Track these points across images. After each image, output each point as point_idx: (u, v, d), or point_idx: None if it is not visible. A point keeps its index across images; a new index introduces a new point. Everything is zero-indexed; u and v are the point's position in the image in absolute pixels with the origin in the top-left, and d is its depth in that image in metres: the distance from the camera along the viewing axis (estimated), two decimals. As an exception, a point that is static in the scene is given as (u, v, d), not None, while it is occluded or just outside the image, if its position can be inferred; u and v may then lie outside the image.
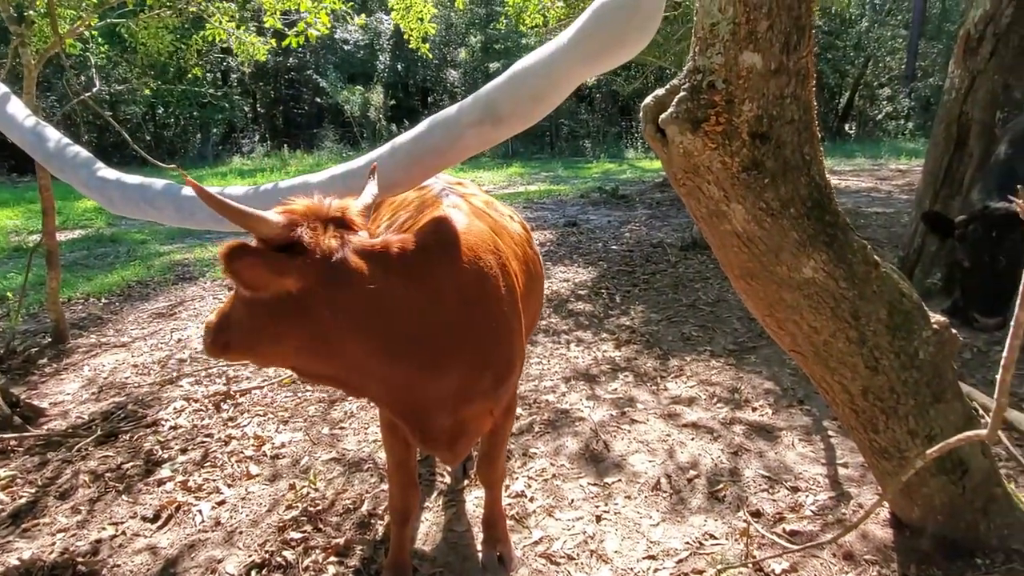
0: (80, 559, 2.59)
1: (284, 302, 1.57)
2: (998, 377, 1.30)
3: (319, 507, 2.87)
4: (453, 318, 1.73)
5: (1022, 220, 1.17)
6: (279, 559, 2.54)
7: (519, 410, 3.60)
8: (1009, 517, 2.27)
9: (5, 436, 3.46)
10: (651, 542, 2.56)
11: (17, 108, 2.86)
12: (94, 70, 8.38)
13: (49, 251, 4.89)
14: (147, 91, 19.30)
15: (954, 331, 2.19)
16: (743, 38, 1.76)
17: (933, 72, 24.18)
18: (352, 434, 3.52)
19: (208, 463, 3.28)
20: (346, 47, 26.83)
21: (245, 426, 3.65)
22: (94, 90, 6.18)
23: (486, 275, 1.83)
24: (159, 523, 2.82)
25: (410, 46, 8.59)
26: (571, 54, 1.94)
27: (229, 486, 3.08)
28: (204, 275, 7.33)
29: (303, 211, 1.61)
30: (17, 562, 2.55)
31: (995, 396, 1.31)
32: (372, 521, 2.77)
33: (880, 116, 25.25)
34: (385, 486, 2.96)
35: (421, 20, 8.25)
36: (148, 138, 22.81)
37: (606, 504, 2.81)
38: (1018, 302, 1.23)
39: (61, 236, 8.73)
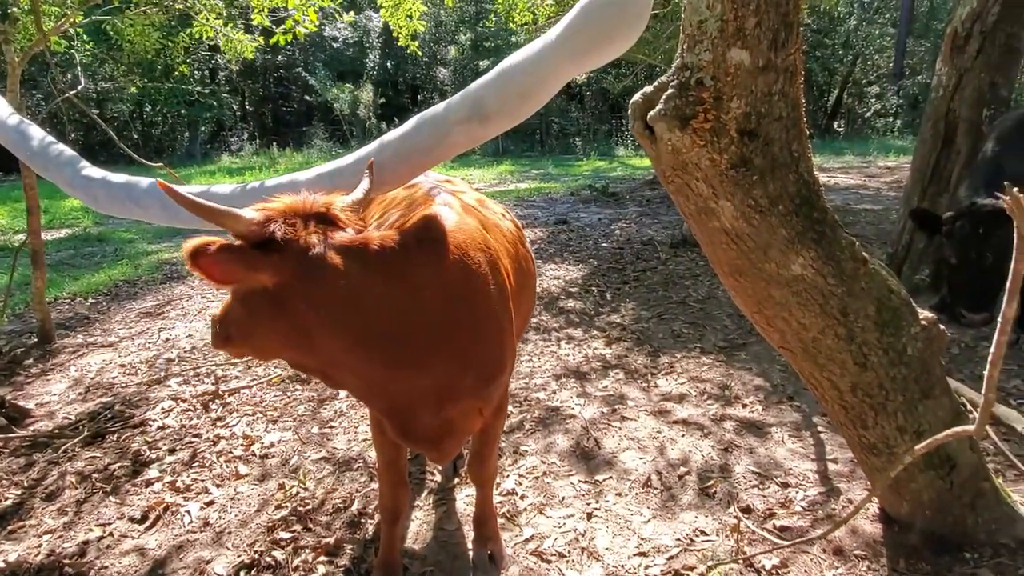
0: (67, 561, 2.56)
1: (263, 296, 1.60)
2: (986, 373, 1.30)
3: (309, 507, 2.86)
4: (437, 316, 1.72)
5: (1008, 216, 1.17)
6: (268, 559, 2.52)
7: (510, 408, 3.60)
8: (996, 512, 2.28)
9: (-10, 437, 3.43)
10: (642, 539, 2.56)
11: (1, 107, 2.82)
12: (80, 68, 8.29)
13: (34, 250, 4.84)
14: (134, 89, 19.20)
15: (942, 327, 2.20)
16: (731, 35, 1.76)
17: (921, 70, 24.34)
18: (342, 433, 3.51)
19: (196, 463, 3.26)
20: (335, 45, 26.73)
21: (234, 426, 3.63)
22: (80, 88, 6.11)
23: (474, 273, 1.82)
24: (147, 524, 2.79)
25: (399, 44, 8.56)
26: (559, 51, 1.93)
27: (218, 486, 3.06)
28: (192, 274, 7.27)
29: (281, 208, 1.62)
30: (3, 564, 2.53)
31: (983, 392, 1.32)
32: (362, 520, 2.76)
33: (868, 114, 25.41)
34: (375, 485, 2.95)
35: (410, 18, 8.21)
36: (135, 136, 22.67)
37: (597, 501, 2.81)
38: (1005, 299, 1.23)
39: (47, 235, 8.67)
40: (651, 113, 1.90)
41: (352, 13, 8.38)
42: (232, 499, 2.95)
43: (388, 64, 27.65)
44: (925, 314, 2.18)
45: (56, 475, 3.18)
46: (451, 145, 2.10)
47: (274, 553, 2.55)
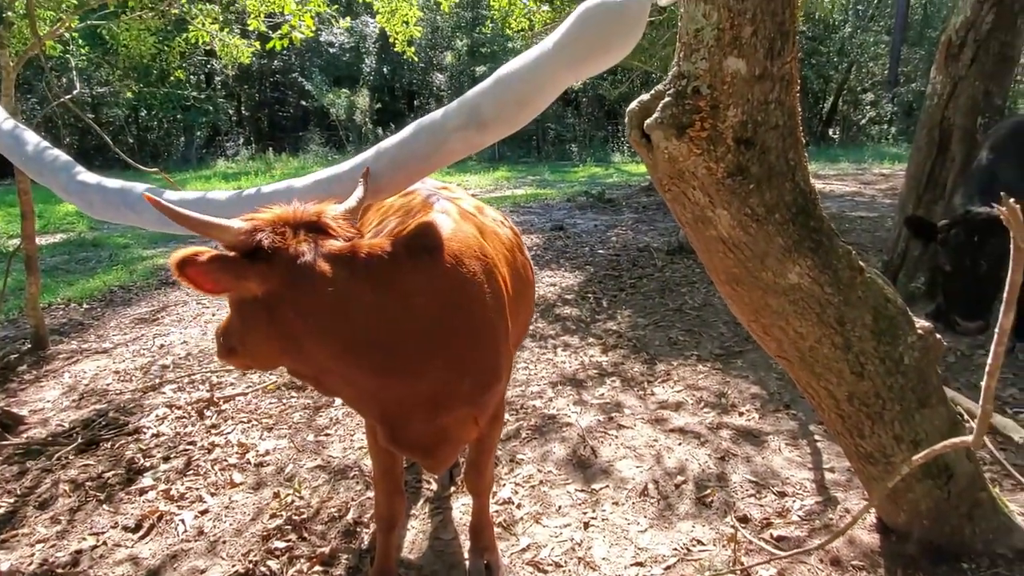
0: (60, 570, 2.55)
1: (255, 305, 1.62)
2: (983, 383, 1.30)
3: (304, 515, 2.84)
4: (430, 324, 1.72)
5: (1003, 225, 1.17)
6: (263, 569, 2.50)
7: (506, 416, 3.59)
8: (994, 521, 2.28)
9: (-17, 445, 3.40)
10: (639, 548, 2.55)
11: (-5, 112, 2.81)
12: (75, 72, 8.29)
13: (28, 256, 4.82)
14: (129, 94, 19.17)
15: (939, 336, 2.20)
16: (727, 44, 1.76)
17: (915, 77, 24.47)
18: (337, 441, 3.49)
19: (191, 471, 3.24)
20: (331, 50, 26.76)
21: (229, 433, 3.61)
22: (75, 92, 6.11)
23: (469, 281, 1.81)
24: (141, 533, 2.77)
25: (396, 49, 8.57)
26: (556, 59, 1.93)
27: (212, 495, 3.04)
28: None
29: (269, 218, 1.63)
30: (-6, 574, 2.51)
31: (980, 402, 1.31)
32: (358, 529, 2.74)
33: (863, 121, 25.52)
34: (371, 494, 2.94)
35: (406, 23, 8.22)
36: (131, 141, 22.65)
37: (594, 510, 2.80)
38: (1002, 309, 1.23)
39: (42, 240, 8.63)
40: (648, 121, 1.90)
41: (348, 18, 8.37)
42: (227, 508, 2.93)
43: (384, 69, 27.69)
44: (922, 323, 2.18)
45: (49, 483, 3.16)
46: (449, 152, 2.10)
47: (269, 563, 2.53)
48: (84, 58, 16.88)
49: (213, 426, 3.71)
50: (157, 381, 4.39)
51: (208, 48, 7.07)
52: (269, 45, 6.19)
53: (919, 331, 2.14)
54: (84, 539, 2.74)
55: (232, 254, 1.57)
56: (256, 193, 2.31)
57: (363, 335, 1.65)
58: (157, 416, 3.84)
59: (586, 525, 2.70)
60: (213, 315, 5.87)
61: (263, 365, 1.95)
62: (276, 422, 3.73)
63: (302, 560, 2.54)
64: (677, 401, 3.80)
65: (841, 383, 2.12)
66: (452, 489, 2.99)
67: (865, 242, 7.52)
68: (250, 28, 6.40)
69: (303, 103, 27.25)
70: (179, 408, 3.93)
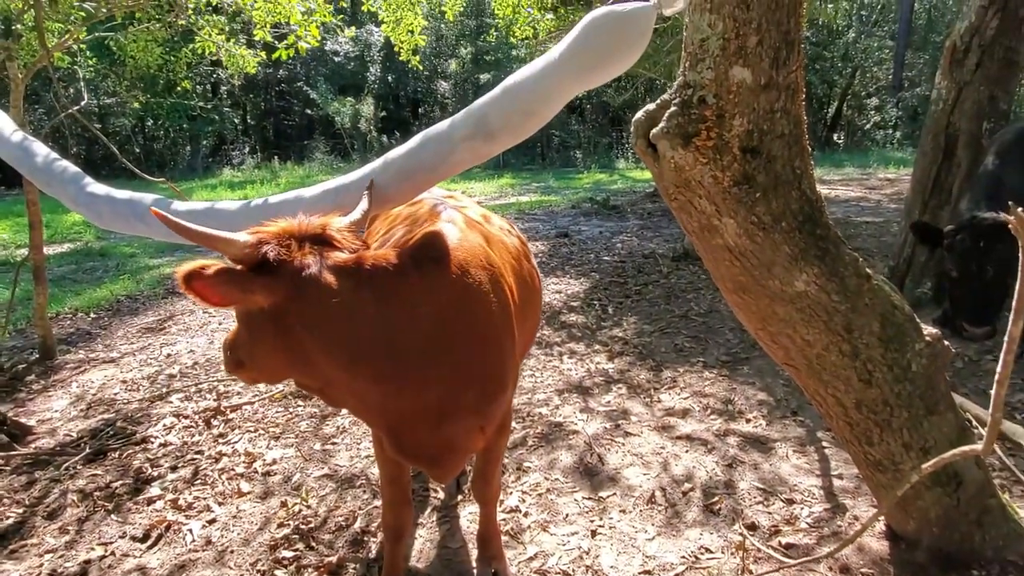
0: (68, 581, 2.55)
1: (261, 317, 1.64)
2: (993, 391, 1.30)
3: (311, 525, 2.84)
4: (435, 334, 1.72)
5: (1009, 230, 1.17)
6: (271, 578, 2.51)
7: (512, 423, 3.58)
8: (1004, 528, 2.27)
9: (-8, 455, 3.42)
10: (647, 556, 2.54)
11: (4, 123, 2.84)
12: (83, 83, 8.35)
13: (36, 266, 4.85)
14: (136, 104, 19.26)
15: (946, 343, 2.20)
16: (733, 53, 1.77)
17: (920, 82, 24.47)
18: (344, 450, 3.49)
19: (198, 481, 3.25)
20: (336, 59, 26.87)
21: (236, 442, 3.62)
22: (83, 104, 6.15)
23: (475, 291, 1.82)
24: (149, 543, 2.78)
25: (401, 58, 8.61)
26: (563, 69, 1.95)
27: (220, 504, 3.04)
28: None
29: (275, 231, 1.65)
30: (3, 584, 2.52)
31: (990, 411, 1.31)
32: (365, 538, 2.74)
33: (868, 126, 25.49)
34: (378, 502, 2.94)
35: (411, 32, 8.27)
36: (137, 151, 22.75)
37: (601, 518, 2.80)
38: (1011, 317, 1.23)
39: (49, 250, 8.68)
40: (654, 131, 1.91)
41: (353, 28, 8.42)
42: (234, 517, 2.94)
43: (389, 78, 27.79)
44: (929, 330, 2.17)
45: (58, 493, 3.17)
46: (456, 162, 2.11)
47: (276, 572, 2.54)
48: (92, 69, 17.01)
49: (220, 435, 3.72)
50: (164, 390, 4.41)
51: (214, 58, 7.11)
52: (275, 55, 6.22)
53: (927, 338, 2.14)
54: (92, 549, 2.74)
55: (238, 267, 1.59)
56: (264, 203, 2.32)
57: (369, 346, 1.65)
58: (164, 425, 3.86)
59: (594, 533, 2.70)
60: (219, 324, 5.89)
61: (270, 378, 1.96)
62: (283, 431, 3.73)
63: (310, 570, 2.55)
64: (684, 408, 3.80)
65: (849, 390, 2.12)
66: (459, 498, 2.99)
67: (871, 247, 7.50)
68: (256, 38, 6.43)
69: (308, 112, 27.36)
70: (186, 417, 3.95)
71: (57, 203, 2.82)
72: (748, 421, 3.60)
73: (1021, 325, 1.25)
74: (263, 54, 7.07)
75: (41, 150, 2.70)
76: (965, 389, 3.73)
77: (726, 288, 2.16)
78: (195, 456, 3.49)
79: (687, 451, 3.32)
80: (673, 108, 1.87)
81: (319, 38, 6.16)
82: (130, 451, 3.57)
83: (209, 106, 24.31)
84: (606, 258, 7.94)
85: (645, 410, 3.81)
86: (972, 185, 4.21)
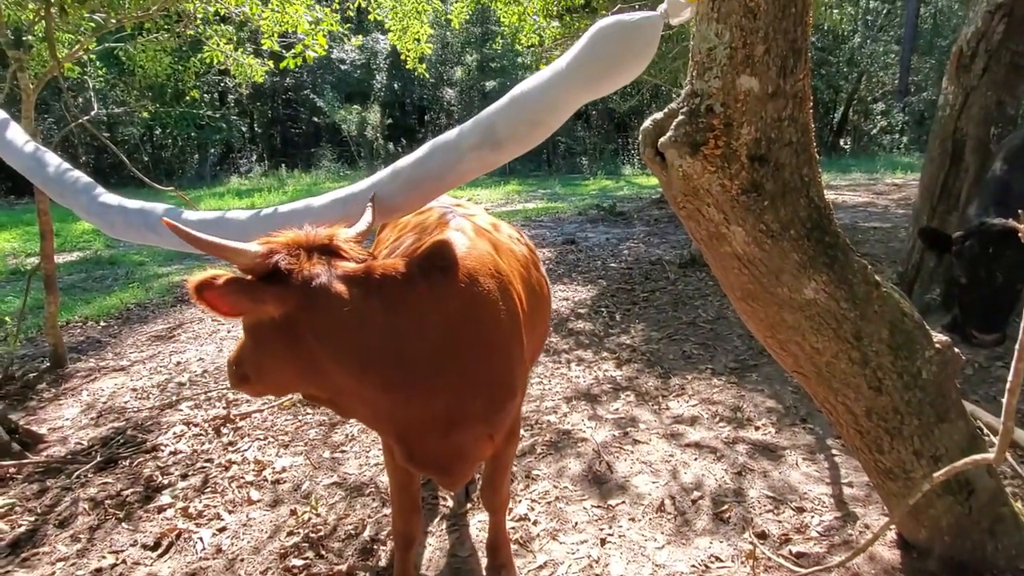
0: (79, 589, 2.56)
1: (271, 328, 1.64)
2: (1004, 400, 1.29)
3: (321, 533, 2.85)
4: (444, 342, 1.73)
5: (1018, 237, 1.17)
6: (281, 587, 2.51)
7: (521, 431, 3.58)
8: (1016, 537, 2.25)
9: (4, 463, 3.43)
10: (656, 565, 2.53)
11: (16, 133, 2.87)
12: (92, 92, 8.42)
13: (47, 275, 4.88)
14: (145, 113, 19.40)
15: (956, 350, 2.19)
16: (740, 62, 1.78)
17: (926, 86, 24.41)
18: (353, 458, 3.50)
19: (209, 489, 3.26)
20: (343, 67, 27.03)
21: (245, 450, 3.63)
22: (92, 113, 6.20)
23: (483, 299, 1.82)
24: (160, 551, 2.79)
25: (407, 67, 8.65)
26: (570, 79, 1.95)
27: (230, 512, 3.05)
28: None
29: (284, 241, 1.66)
30: (16, 593, 2.53)
31: (1001, 419, 1.31)
32: (375, 547, 2.74)
33: (875, 131, 25.45)
34: (387, 511, 2.94)
35: (418, 41, 8.31)
36: (145, 159, 22.90)
37: (610, 527, 2.79)
38: (1022, 326, 1.23)
39: (59, 258, 8.72)
40: (662, 140, 1.92)
41: (360, 36, 8.46)
42: (244, 525, 2.94)
43: (395, 85, 27.92)
44: (939, 337, 2.17)
45: (69, 501, 3.18)
46: (463, 171, 2.12)
47: (286, 580, 2.54)
48: (101, 79, 17.15)
49: (230, 443, 3.73)
50: (174, 398, 4.42)
51: (223, 67, 7.16)
52: (283, 64, 6.26)
53: (937, 345, 2.13)
54: (104, 557, 2.75)
55: (248, 277, 1.60)
56: (273, 212, 2.34)
57: (378, 354, 1.66)
58: (175, 434, 3.87)
59: (603, 542, 2.69)
60: (228, 332, 5.91)
61: (277, 391, 1.98)
62: (292, 439, 3.74)
63: (320, 578, 2.55)
64: (692, 415, 3.79)
65: (859, 398, 2.11)
66: (468, 506, 2.99)
67: (879, 253, 7.48)
68: (264, 47, 6.48)
69: (315, 119, 27.51)
70: (196, 425, 3.96)
71: (66, 212, 2.85)
72: (757, 429, 3.59)
73: (1032, 333, 1.25)
74: (271, 63, 7.11)
75: (53, 160, 2.73)
76: (975, 396, 3.71)
77: (735, 296, 2.16)
78: (205, 464, 3.50)
79: (696, 459, 3.32)
80: (681, 117, 1.88)
81: (326, 47, 6.20)
82: (140, 459, 3.58)
83: (217, 115, 24.48)
84: (613, 265, 7.94)
85: (653, 417, 3.80)
86: (980, 190, 4.20)
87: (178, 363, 5.19)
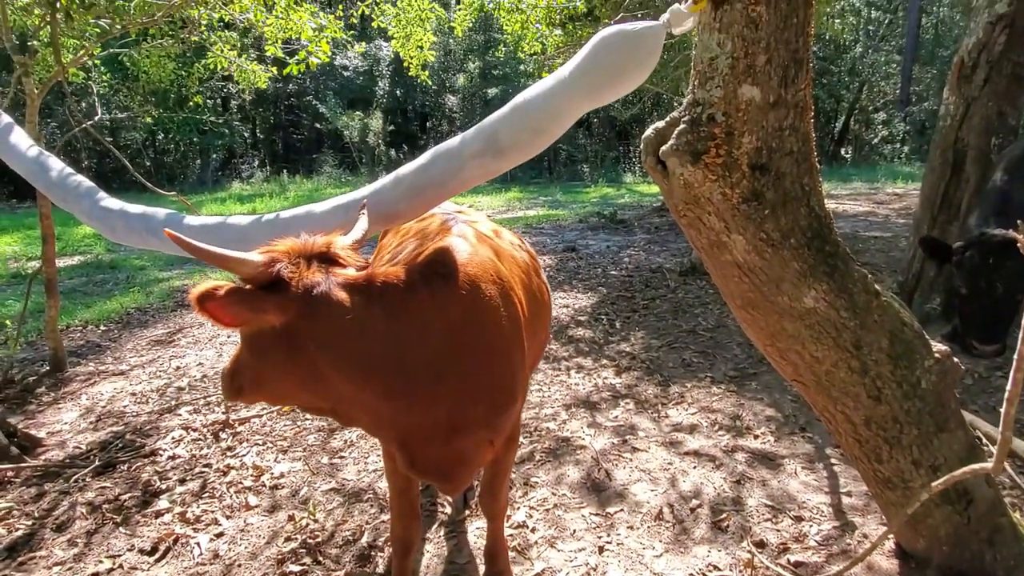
0: (76, 593, 2.56)
1: (272, 337, 1.64)
2: (1003, 410, 1.29)
3: (319, 539, 2.84)
4: (446, 348, 1.73)
5: (1018, 247, 1.18)
6: (278, 593, 2.51)
7: (520, 438, 3.58)
8: (1015, 547, 2.25)
9: (2, 467, 3.43)
10: (654, 574, 2.53)
11: (20, 138, 2.87)
12: (96, 97, 8.44)
13: (48, 279, 4.89)
14: (148, 118, 19.45)
15: (956, 360, 2.19)
16: (742, 72, 1.78)
17: (927, 96, 24.47)
18: (352, 463, 3.50)
19: (207, 494, 3.25)
20: (346, 73, 27.07)
21: (244, 456, 3.62)
22: (96, 118, 6.22)
23: (485, 305, 1.83)
24: (157, 556, 2.78)
25: (410, 74, 8.68)
26: (572, 88, 1.96)
27: (228, 517, 3.05)
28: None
29: (284, 249, 1.66)
30: (13, 597, 2.52)
31: (1000, 429, 1.31)
32: (372, 553, 2.74)
33: (876, 140, 25.50)
34: (386, 517, 2.94)
35: (421, 48, 8.35)
36: (148, 164, 22.91)
37: (608, 534, 2.79)
38: (1021, 335, 1.23)
39: (60, 262, 8.74)
40: (663, 148, 1.92)
41: (363, 43, 8.50)
42: (242, 531, 2.94)
43: (397, 92, 27.96)
44: (939, 347, 2.17)
45: (67, 505, 3.18)
46: (466, 179, 2.12)
47: (284, 586, 2.54)
48: (105, 84, 17.21)
49: (228, 448, 3.73)
50: (173, 403, 4.42)
51: (226, 73, 7.18)
52: (286, 71, 6.28)
53: (936, 355, 2.13)
54: (101, 562, 2.75)
55: (249, 287, 1.60)
56: (275, 218, 2.34)
57: (380, 362, 1.66)
58: (173, 438, 3.87)
59: (601, 549, 2.69)
60: (228, 337, 5.91)
61: (276, 401, 1.97)
62: (291, 444, 3.74)
63: (317, 584, 2.54)
64: (691, 424, 3.79)
65: (858, 407, 2.11)
66: (467, 512, 2.99)
67: (879, 262, 7.48)
68: (267, 53, 6.50)
69: (317, 125, 27.54)
70: (195, 430, 3.96)
71: (67, 215, 2.85)
72: (756, 437, 3.59)
73: (1031, 343, 1.25)
74: (274, 69, 7.13)
75: (56, 165, 2.73)
76: (975, 406, 3.71)
77: (735, 304, 2.16)
78: (203, 469, 3.50)
79: (695, 467, 3.31)
80: (682, 126, 1.89)
81: (329, 53, 6.22)
82: (139, 464, 3.58)
83: (219, 120, 24.52)
84: (613, 272, 7.94)
85: (653, 425, 3.80)
86: (981, 201, 4.21)
87: (177, 368, 5.19)
